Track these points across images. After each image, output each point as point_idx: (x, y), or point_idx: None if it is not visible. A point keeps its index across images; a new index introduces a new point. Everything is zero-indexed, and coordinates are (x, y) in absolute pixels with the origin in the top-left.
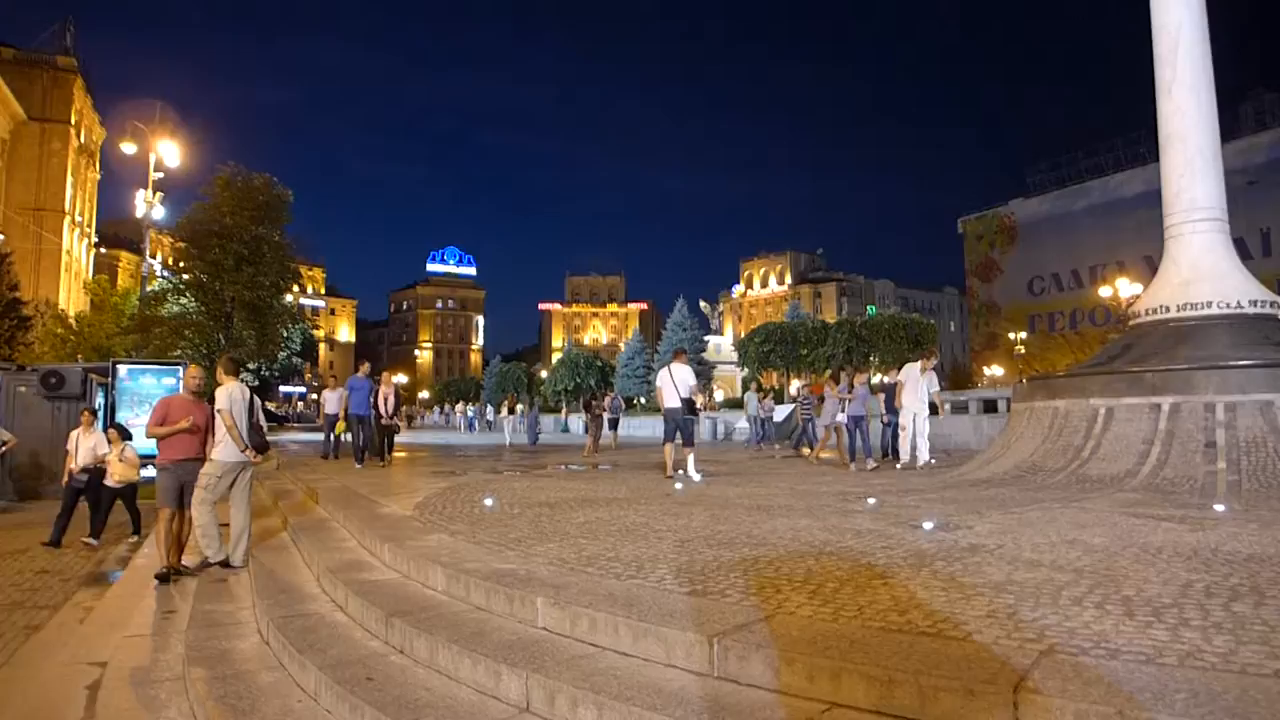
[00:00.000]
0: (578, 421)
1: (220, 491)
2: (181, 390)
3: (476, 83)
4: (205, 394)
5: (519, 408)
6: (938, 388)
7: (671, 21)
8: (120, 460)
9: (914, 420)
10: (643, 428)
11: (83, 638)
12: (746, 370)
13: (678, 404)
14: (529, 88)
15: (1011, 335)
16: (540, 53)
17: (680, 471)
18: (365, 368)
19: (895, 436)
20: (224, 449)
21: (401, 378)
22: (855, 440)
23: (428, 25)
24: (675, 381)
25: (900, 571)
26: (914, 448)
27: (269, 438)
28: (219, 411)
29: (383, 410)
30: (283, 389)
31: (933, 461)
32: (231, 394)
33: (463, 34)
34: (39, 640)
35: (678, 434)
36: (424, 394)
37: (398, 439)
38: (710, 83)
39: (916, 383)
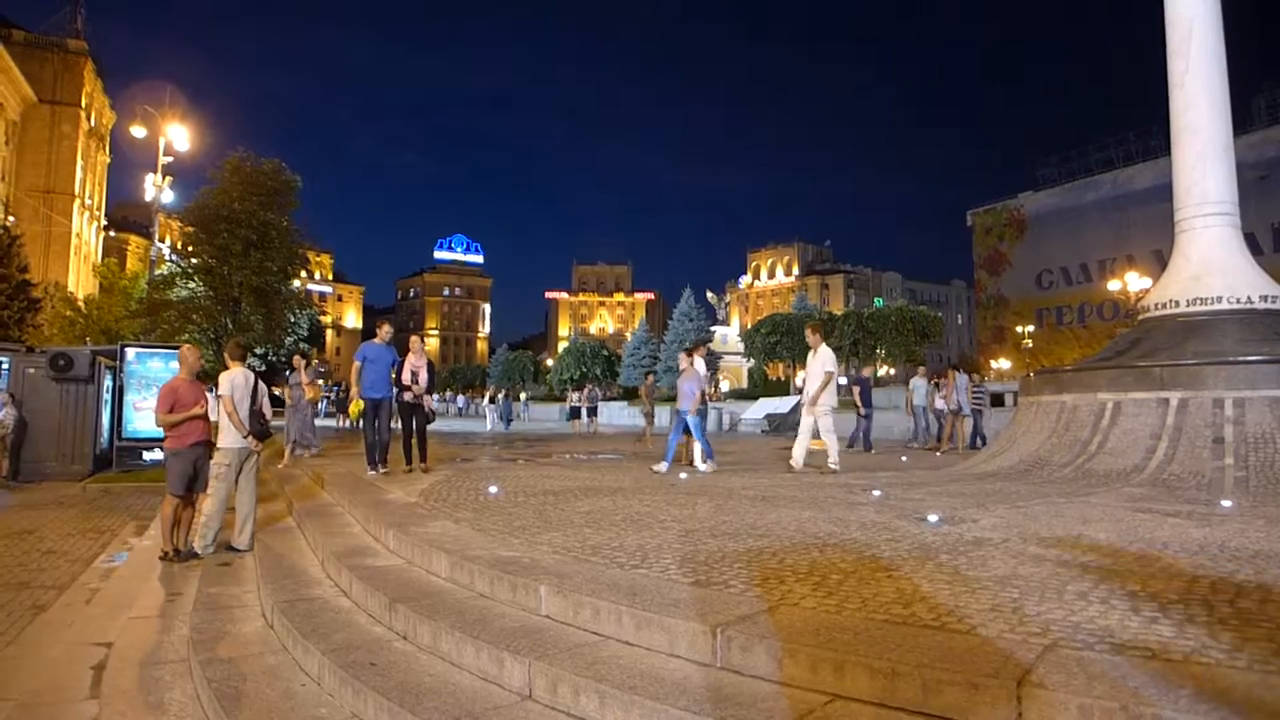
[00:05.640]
0: (582, 410)
1: (233, 478)
2: (183, 374)
3: (485, 72)
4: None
5: (500, 396)
6: (821, 370)
7: (679, 13)
8: None
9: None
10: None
11: (89, 618)
12: (753, 361)
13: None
14: (538, 78)
15: (1019, 329)
16: (550, 43)
17: (682, 462)
18: (385, 330)
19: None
20: (228, 436)
21: None
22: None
23: (436, 15)
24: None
25: (904, 564)
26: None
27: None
28: (219, 398)
29: (409, 386)
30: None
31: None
32: (234, 380)
33: (471, 24)
34: (45, 620)
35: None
36: None
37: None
38: (719, 76)
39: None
